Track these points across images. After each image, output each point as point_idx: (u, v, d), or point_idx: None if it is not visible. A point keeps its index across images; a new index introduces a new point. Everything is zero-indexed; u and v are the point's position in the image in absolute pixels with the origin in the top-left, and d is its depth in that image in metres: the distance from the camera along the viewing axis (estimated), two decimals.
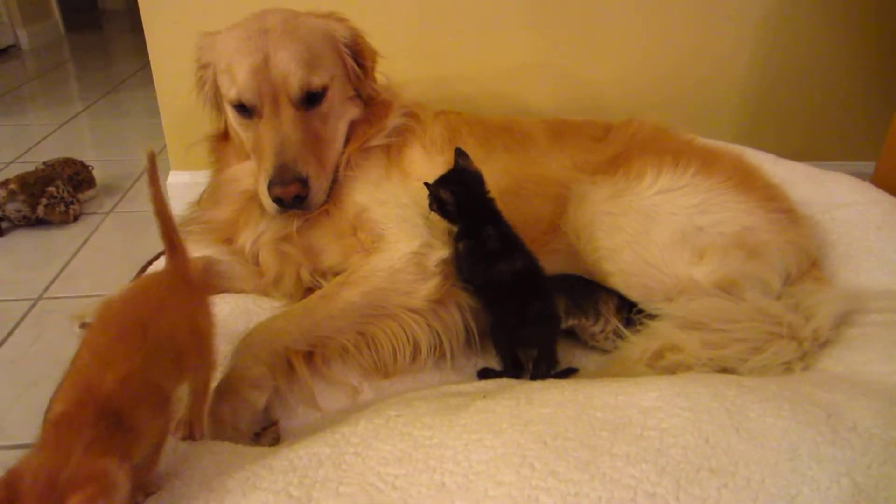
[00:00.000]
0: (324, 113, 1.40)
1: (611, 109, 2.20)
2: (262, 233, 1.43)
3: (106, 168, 2.75)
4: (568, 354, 1.35)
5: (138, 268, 1.83)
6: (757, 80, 2.31)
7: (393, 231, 1.34)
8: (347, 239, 1.36)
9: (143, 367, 0.72)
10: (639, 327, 1.26)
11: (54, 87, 4.05)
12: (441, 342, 1.27)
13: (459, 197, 1.28)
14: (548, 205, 1.45)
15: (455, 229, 1.33)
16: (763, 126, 2.40)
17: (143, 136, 3.17)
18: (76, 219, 2.27)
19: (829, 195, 1.68)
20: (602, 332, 1.33)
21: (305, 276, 1.38)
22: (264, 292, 1.43)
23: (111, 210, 2.40)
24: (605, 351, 1.35)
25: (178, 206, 1.72)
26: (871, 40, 2.28)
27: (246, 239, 1.44)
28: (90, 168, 2.44)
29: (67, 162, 2.37)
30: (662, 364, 1.12)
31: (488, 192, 1.34)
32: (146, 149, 0.91)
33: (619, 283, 1.33)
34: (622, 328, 1.28)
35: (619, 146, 1.51)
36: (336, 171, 1.42)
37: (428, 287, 1.26)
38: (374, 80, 1.52)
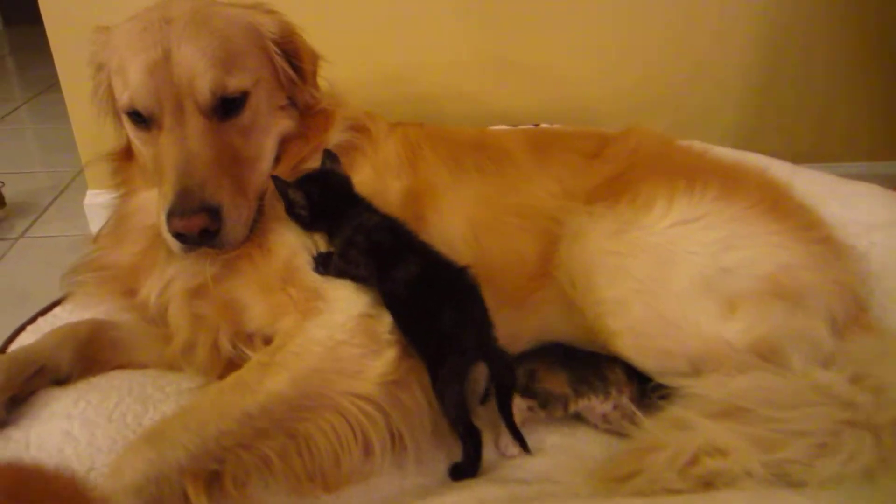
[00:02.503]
0: (244, 125, 1.09)
1: (587, 111, 1.92)
2: (169, 281, 1.11)
3: (21, 182, 2.39)
4: (570, 436, 1.05)
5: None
6: (753, 76, 2.04)
7: (333, 285, 1.03)
8: (276, 294, 1.05)
9: None
10: (658, 412, 0.97)
11: None
12: (401, 434, 0.97)
13: (313, 198, 1.05)
14: (533, 243, 1.15)
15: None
16: (764, 126, 2.13)
17: (71, 142, 2.80)
18: None
19: (863, 213, 1.40)
20: (616, 408, 1.04)
21: (224, 344, 1.06)
22: (171, 364, 1.12)
23: (22, 234, 2.05)
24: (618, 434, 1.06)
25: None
26: (874, 28, 2.02)
27: (150, 290, 1.12)
28: None
29: None
30: (698, 473, 0.84)
31: (359, 196, 1.11)
32: None
33: (627, 346, 1.04)
34: (636, 411, 0.99)
35: (619, 165, 1.22)
36: (261, 199, 1.11)
37: (382, 363, 0.96)
38: (315, 86, 1.22)
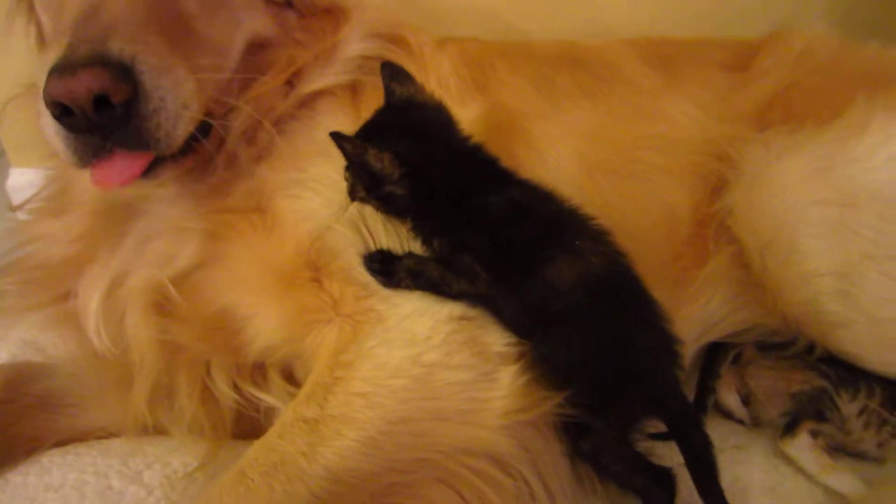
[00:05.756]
0: None
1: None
2: (119, 276, 0.71)
3: None
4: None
5: None
6: None
7: None
8: (299, 292, 0.65)
9: None
10: None
11: None
12: (535, 495, 0.60)
13: (413, 164, 0.61)
14: (684, 190, 0.78)
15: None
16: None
17: None
18: None
19: None
20: (862, 414, 0.70)
21: (221, 383, 0.67)
22: (142, 422, 0.70)
23: None
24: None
25: None
26: None
27: (89, 292, 0.71)
28: None
29: None
30: None
31: (469, 137, 0.67)
32: None
33: (860, 340, 0.69)
34: None
35: (786, 75, 0.85)
36: (226, 110, 0.70)
37: (502, 393, 0.58)
38: None
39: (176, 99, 0.62)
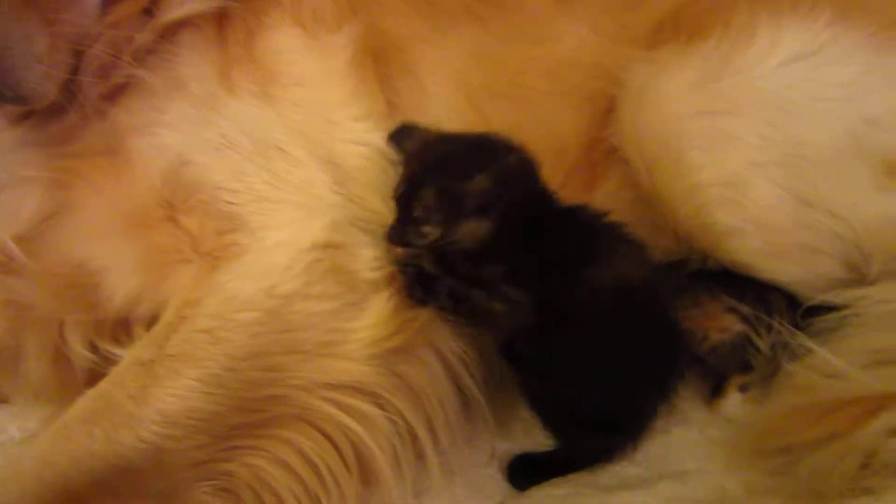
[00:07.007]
0: None
1: None
2: None
3: None
4: None
5: None
6: None
7: (262, 205, 0.59)
8: (154, 233, 0.60)
9: None
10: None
11: None
12: (413, 430, 0.56)
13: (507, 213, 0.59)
14: (572, 112, 0.75)
15: None
16: None
17: None
18: None
19: None
20: (774, 348, 0.67)
21: (76, 343, 0.61)
22: None
23: None
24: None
25: None
26: None
27: None
28: None
29: None
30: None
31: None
32: None
33: (751, 247, 0.67)
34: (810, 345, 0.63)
35: None
36: (82, 53, 0.62)
37: (369, 321, 0.55)
38: None
39: (27, 54, 0.55)
